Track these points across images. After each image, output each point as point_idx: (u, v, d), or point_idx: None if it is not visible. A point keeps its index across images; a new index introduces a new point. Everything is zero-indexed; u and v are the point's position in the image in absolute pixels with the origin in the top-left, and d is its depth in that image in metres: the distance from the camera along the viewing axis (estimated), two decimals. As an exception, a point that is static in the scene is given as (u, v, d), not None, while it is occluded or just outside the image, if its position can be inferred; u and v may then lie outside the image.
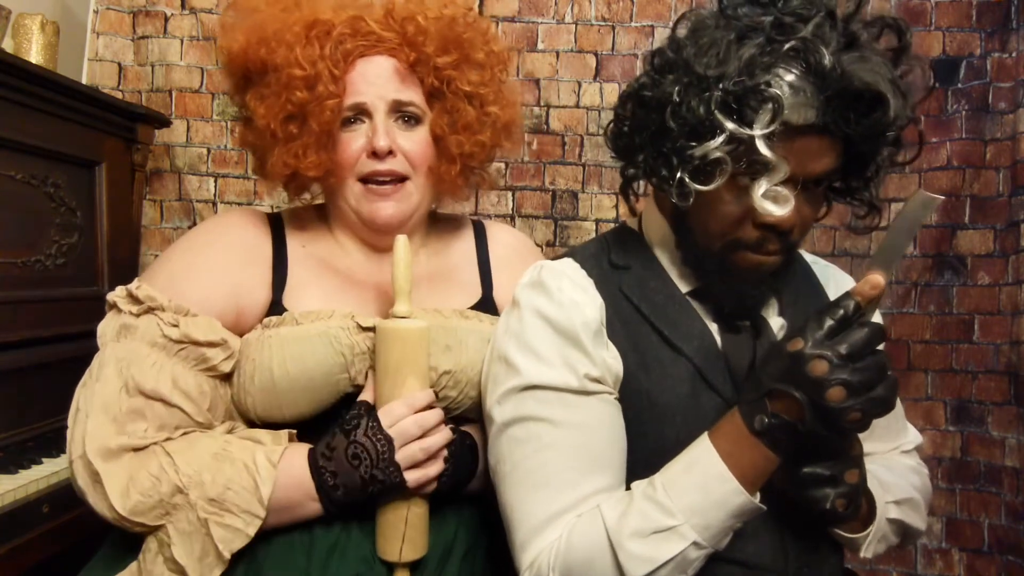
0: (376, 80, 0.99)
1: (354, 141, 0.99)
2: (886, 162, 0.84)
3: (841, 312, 0.69)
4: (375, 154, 0.98)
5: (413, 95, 1.01)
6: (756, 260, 0.82)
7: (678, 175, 0.79)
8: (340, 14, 0.99)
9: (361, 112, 1.00)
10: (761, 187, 0.75)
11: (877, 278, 0.68)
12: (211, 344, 0.91)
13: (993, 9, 1.87)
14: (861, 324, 0.69)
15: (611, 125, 0.91)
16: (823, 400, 0.68)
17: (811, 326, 0.70)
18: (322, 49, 0.96)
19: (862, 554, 0.88)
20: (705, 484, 0.74)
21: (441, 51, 1.00)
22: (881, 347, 0.70)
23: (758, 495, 0.75)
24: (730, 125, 0.73)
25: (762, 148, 0.73)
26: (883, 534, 0.88)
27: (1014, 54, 1.83)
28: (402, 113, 1.01)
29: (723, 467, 0.74)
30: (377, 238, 1.05)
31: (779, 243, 0.80)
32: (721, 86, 0.74)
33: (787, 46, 0.72)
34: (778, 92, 0.71)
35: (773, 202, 0.75)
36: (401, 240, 0.94)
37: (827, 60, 0.71)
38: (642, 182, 0.90)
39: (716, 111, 0.74)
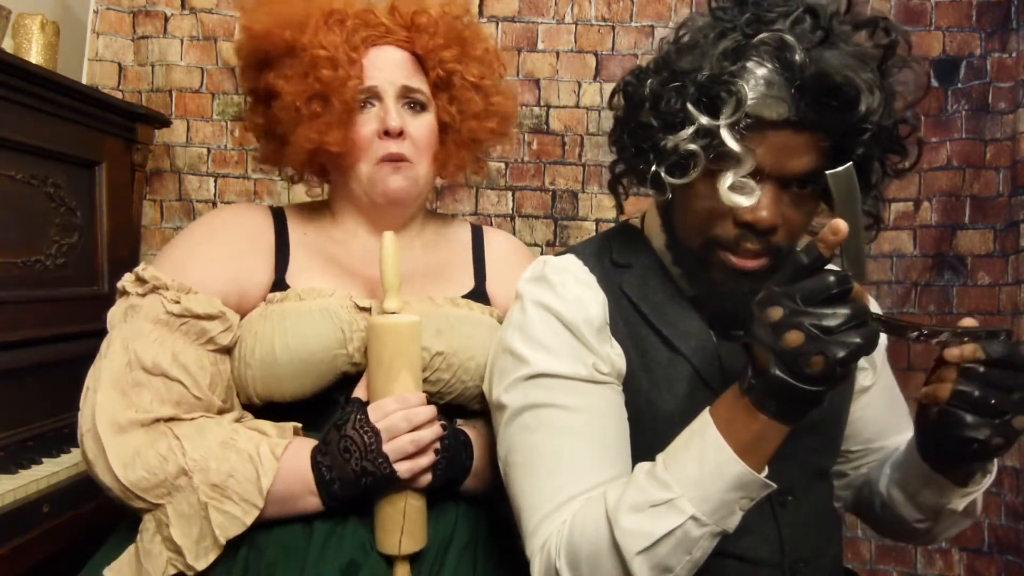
0: (386, 67, 1.05)
1: (366, 124, 1.04)
2: (887, 171, 0.83)
3: (803, 259, 0.67)
4: (387, 134, 1.02)
5: (420, 83, 1.07)
6: (734, 262, 0.81)
7: (653, 169, 0.80)
8: (352, 6, 1.06)
9: (372, 96, 1.05)
10: (727, 179, 0.76)
11: (839, 224, 0.65)
12: (210, 317, 0.94)
13: (993, 9, 1.87)
14: (823, 270, 0.66)
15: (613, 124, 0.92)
16: (781, 345, 0.66)
17: (775, 276, 0.69)
18: (340, 35, 1.02)
19: (960, 505, 0.85)
20: (702, 455, 0.72)
21: (445, 46, 1.07)
22: (853, 296, 0.66)
23: (765, 470, 0.72)
24: (703, 119, 0.75)
25: (727, 138, 0.74)
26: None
27: (1014, 54, 1.83)
28: (409, 99, 1.06)
29: (718, 435, 0.72)
30: (383, 216, 1.09)
31: (759, 244, 0.80)
32: (693, 79, 0.75)
33: (756, 39, 0.73)
34: (741, 83, 0.72)
35: (739, 193, 0.75)
36: (388, 237, 0.96)
37: (798, 54, 0.72)
38: (624, 179, 0.92)
39: (689, 104, 0.75)
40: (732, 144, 0.74)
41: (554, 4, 1.95)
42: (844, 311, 0.64)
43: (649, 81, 0.82)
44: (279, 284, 1.01)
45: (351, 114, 1.03)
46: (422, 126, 1.06)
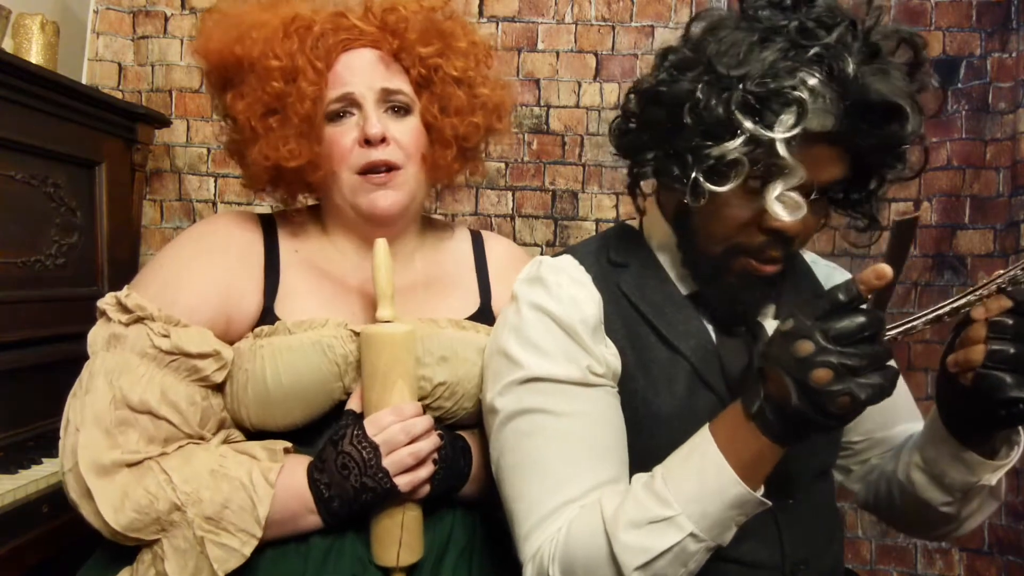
0: (362, 70, 0.99)
1: (346, 134, 0.98)
2: (889, 176, 0.84)
3: (839, 296, 0.67)
4: (368, 142, 0.96)
5: (401, 83, 1.01)
6: (755, 268, 0.81)
7: (692, 174, 0.77)
8: (320, 12, 1.00)
9: (350, 103, 0.99)
10: (775, 190, 0.74)
11: (884, 268, 0.65)
12: (203, 356, 0.90)
13: (993, 9, 1.87)
14: (857, 310, 0.66)
15: (617, 122, 0.90)
16: (808, 381, 0.65)
17: (806, 308, 0.68)
18: (302, 43, 0.96)
19: (993, 479, 0.82)
20: (702, 473, 0.73)
21: (423, 42, 1.01)
22: (881, 337, 0.67)
23: (761, 489, 0.73)
24: (750, 125, 0.73)
25: (782, 151, 0.72)
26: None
27: (1014, 54, 1.83)
28: (391, 103, 1.00)
29: (719, 456, 0.72)
30: (374, 232, 1.03)
31: (781, 250, 0.80)
32: (743, 86, 0.73)
33: (812, 52, 0.72)
34: (803, 96, 0.71)
35: (784, 207, 0.75)
36: (381, 244, 0.93)
37: (850, 68, 0.71)
38: (643, 181, 0.90)
39: (736, 111, 0.73)
40: (787, 157, 0.72)
41: (554, 4, 1.95)
42: (871, 352, 0.65)
43: (684, 82, 0.77)
44: (268, 313, 0.96)
45: (311, 127, 0.97)
46: (407, 129, 1.00)
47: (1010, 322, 0.69)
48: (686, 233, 0.87)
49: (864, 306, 0.67)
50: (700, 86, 0.76)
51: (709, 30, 0.80)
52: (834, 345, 0.65)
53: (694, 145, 0.77)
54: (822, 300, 0.68)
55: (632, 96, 0.87)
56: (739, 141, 0.73)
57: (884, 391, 0.65)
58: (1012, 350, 0.69)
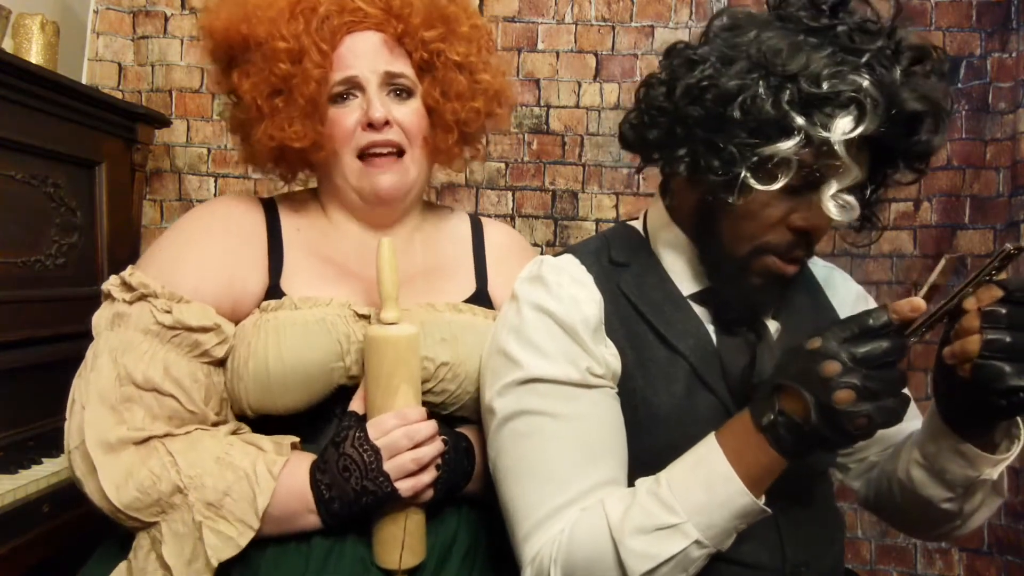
0: (365, 54, 1.00)
1: (348, 116, 1.00)
2: (889, 181, 0.84)
3: (869, 321, 0.68)
4: (371, 126, 0.98)
5: (403, 67, 1.02)
6: (778, 267, 0.82)
7: (742, 173, 0.77)
8: None
9: (353, 86, 1.00)
10: (830, 189, 0.75)
11: (919, 303, 0.67)
12: (204, 329, 0.90)
13: (993, 9, 1.87)
14: (884, 336, 0.67)
15: (632, 117, 0.89)
16: (830, 401, 0.66)
17: (834, 329, 0.69)
18: (307, 24, 0.97)
19: (994, 474, 0.81)
20: (710, 483, 0.73)
21: (427, 26, 1.02)
22: (901, 364, 0.68)
23: (763, 498, 0.74)
24: (804, 124, 0.73)
25: (841, 152, 0.73)
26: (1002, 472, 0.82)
27: (1014, 54, 1.83)
28: (394, 86, 1.02)
29: (728, 467, 0.73)
30: (375, 215, 1.05)
31: (805, 250, 0.81)
32: (799, 85, 0.73)
33: (865, 58, 0.73)
34: (862, 98, 0.72)
35: (838, 207, 0.76)
36: (386, 244, 0.93)
37: (897, 75, 0.72)
38: (640, 177, 0.90)
39: (793, 112, 0.73)
40: (846, 157, 0.73)
41: (554, 4, 1.95)
42: (892, 377, 0.67)
43: (728, 78, 0.76)
44: (274, 290, 0.96)
45: (316, 108, 0.98)
46: (409, 112, 1.02)
47: (1003, 311, 0.68)
48: (708, 232, 0.86)
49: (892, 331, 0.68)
50: (760, 82, 0.75)
51: (733, 27, 0.80)
52: (859, 367, 0.66)
53: (741, 142, 0.76)
54: (851, 323, 0.69)
55: (655, 91, 0.85)
56: (796, 140, 0.74)
57: (898, 416, 0.67)
58: (1008, 338, 0.68)
